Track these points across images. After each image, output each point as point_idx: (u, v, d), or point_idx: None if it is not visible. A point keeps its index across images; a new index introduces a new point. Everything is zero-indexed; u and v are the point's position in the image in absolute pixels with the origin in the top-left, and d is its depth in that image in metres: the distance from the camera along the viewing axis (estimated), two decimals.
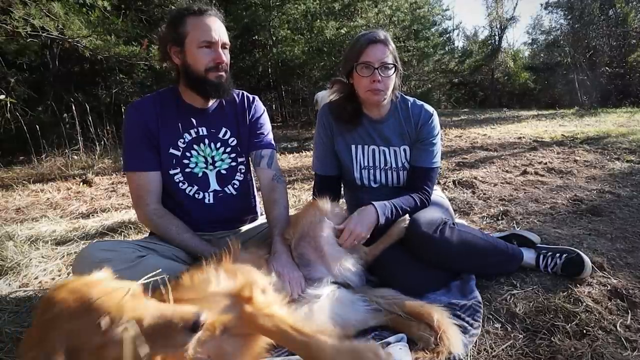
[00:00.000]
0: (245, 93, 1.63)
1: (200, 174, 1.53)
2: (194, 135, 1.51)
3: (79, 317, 0.67)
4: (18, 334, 1.37)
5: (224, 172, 1.56)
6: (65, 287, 0.70)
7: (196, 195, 1.52)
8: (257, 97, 1.66)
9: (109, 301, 0.69)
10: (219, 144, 1.55)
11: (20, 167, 4.99)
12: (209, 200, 1.54)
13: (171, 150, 1.48)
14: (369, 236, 1.45)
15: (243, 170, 1.61)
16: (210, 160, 1.54)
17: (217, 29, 1.40)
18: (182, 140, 1.49)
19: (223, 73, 1.43)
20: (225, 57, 1.44)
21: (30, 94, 6.17)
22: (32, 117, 5.57)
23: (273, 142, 1.66)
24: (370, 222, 1.44)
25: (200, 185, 1.53)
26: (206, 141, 1.52)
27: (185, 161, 1.50)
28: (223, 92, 1.47)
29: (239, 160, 1.59)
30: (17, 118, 4.99)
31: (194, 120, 1.51)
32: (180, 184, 1.50)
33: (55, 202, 3.33)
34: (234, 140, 1.57)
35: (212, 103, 1.54)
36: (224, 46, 1.43)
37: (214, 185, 1.55)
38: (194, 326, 0.72)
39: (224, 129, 1.55)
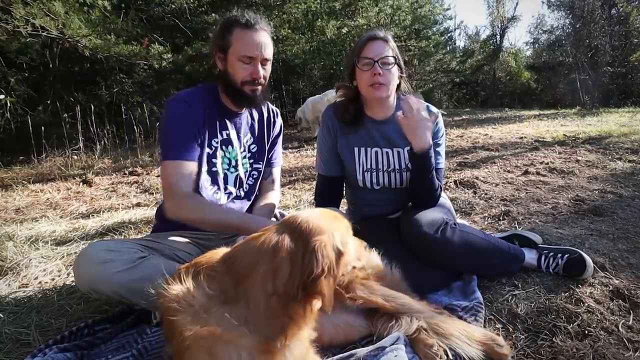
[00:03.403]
0: (271, 105, 1.72)
1: (222, 175, 1.57)
2: (225, 136, 1.56)
3: (338, 222, 0.98)
4: (18, 334, 1.37)
5: (242, 176, 1.62)
6: (312, 213, 0.97)
7: (215, 195, 1.55)
8: (279, 111, 1.77)
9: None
10: (242, 149, 1.62)
11: (20, 167, 4.98)
12: (222, 200, 1.57)
13: (206, 148, 1.51)
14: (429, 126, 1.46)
15: (255, 176, 1.68)
16: (233, 163, 1.59)
17: (261, 44, 1.43)
18: (215, 140, 1.53)
19: (259, 87, 1.48)
20: (265, 71, 1.48)
21: (30, 93, 6.18)
22: (32, 116, 5.56)
23: (281, 157, 1.82)
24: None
25: (219, 185, 1.57)
26: (234, 144, 1.58)
27: (214, 160, 1.53)
28: (255, 105, 1.56)
29: (255, 166, 1.67)
30: (17, 118, 4.98)
31: (227, 122, 1.56)
32: (205, 182, 1.53)
33: (55, 202, 3.33)
34: (255, 147, 1.66)
35: (244, 109, 1.60)
36: (264, 62, 1.47)
37: (230, 186, 1.60)
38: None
39: (249, 135, 1.64)
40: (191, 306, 0.84)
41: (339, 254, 0.91)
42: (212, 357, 0.81)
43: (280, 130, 1.77)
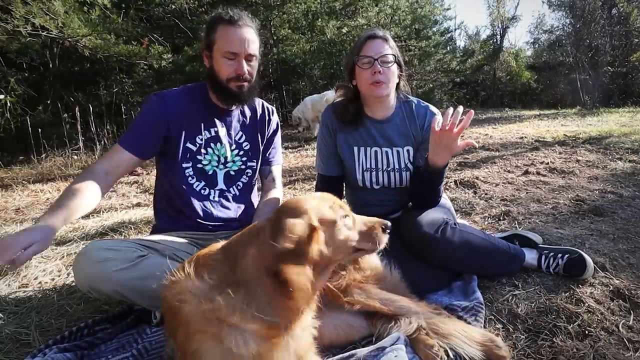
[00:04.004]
0: (265, 103, 1.72)
1: (210, 172, 1.58)
2: (213, 134, 1.56)
3: (321, 201, 0.99)
4: (18, 334, 1.37)
5: (232, 173, 1.63)
6: (298, 197, 1.00)
7: (202, 191, 1.57)
8: (274, 109, 1.75)
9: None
10: (234, 146, 1.61)
11: (20, 167, 4.98)
12: (213, 197, 1.58)
13: (188, 144, 1.52)
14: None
15: (250, 174, 1.68)
16: (222, 160, 1.60)
17: (244, 40, 1.43)
18: (200, 137, 1.54)
19: (244, 83, 1.48)
20: (250, 67, 1.48)
21: (30, 93, 6.17)
22: (32, 116, 5.56)
23: (281, 155, 1.81)
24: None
25: (207, 181, 1.58)
26: (223, 141, 1.58)
27: (199, 157, 1.55)
28: (242, 101, 1.55)
29: (249, 164, 1.66)
30: (17, 118, 4.98)
31: (216, 120, 1.57)
32: (189, 178, 1.55)
33: None
34: (247, 145, 1.65)
35: (234, 107, 1.59)
36: (248, 58, 1.46)
37: (220, 184, 1.61)
38: (386, 227, 1.05)
39: (240, 133, 1.63)
40: (195, 294, 0.85)
41: (312, 230, 0.86)
42: (218, 342, 0.82)
43: (277, 129, 1.75)
